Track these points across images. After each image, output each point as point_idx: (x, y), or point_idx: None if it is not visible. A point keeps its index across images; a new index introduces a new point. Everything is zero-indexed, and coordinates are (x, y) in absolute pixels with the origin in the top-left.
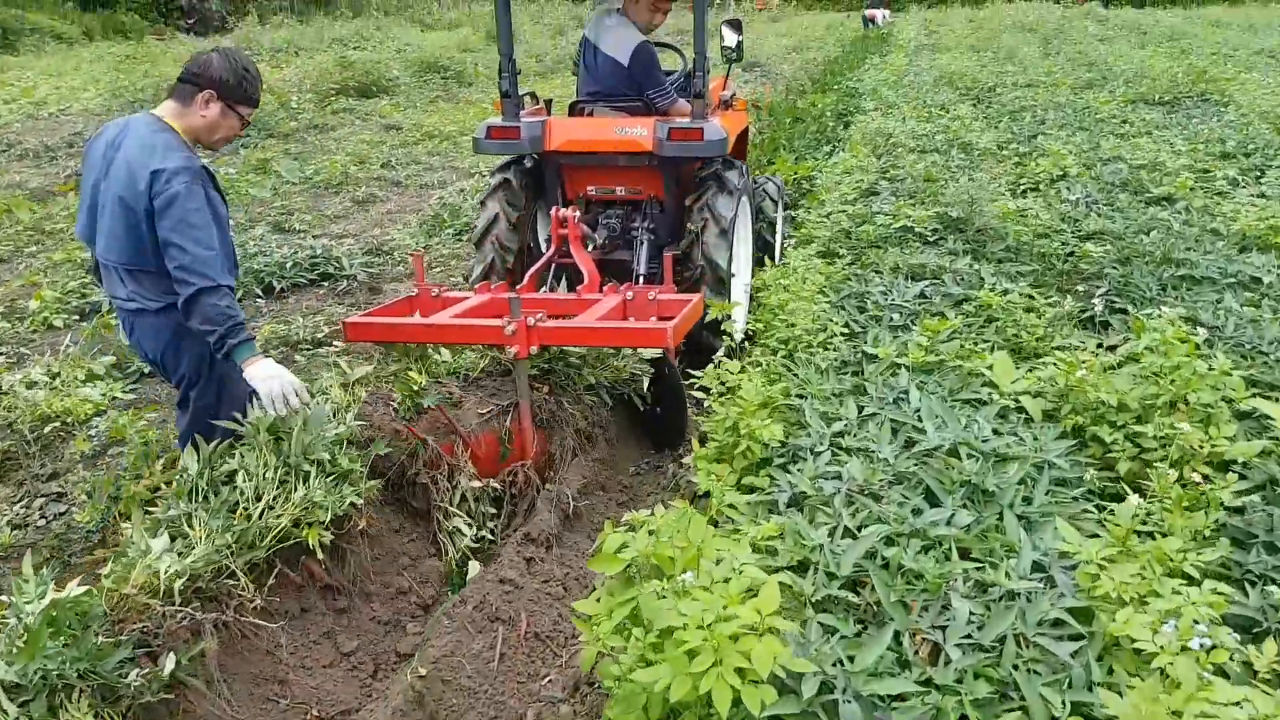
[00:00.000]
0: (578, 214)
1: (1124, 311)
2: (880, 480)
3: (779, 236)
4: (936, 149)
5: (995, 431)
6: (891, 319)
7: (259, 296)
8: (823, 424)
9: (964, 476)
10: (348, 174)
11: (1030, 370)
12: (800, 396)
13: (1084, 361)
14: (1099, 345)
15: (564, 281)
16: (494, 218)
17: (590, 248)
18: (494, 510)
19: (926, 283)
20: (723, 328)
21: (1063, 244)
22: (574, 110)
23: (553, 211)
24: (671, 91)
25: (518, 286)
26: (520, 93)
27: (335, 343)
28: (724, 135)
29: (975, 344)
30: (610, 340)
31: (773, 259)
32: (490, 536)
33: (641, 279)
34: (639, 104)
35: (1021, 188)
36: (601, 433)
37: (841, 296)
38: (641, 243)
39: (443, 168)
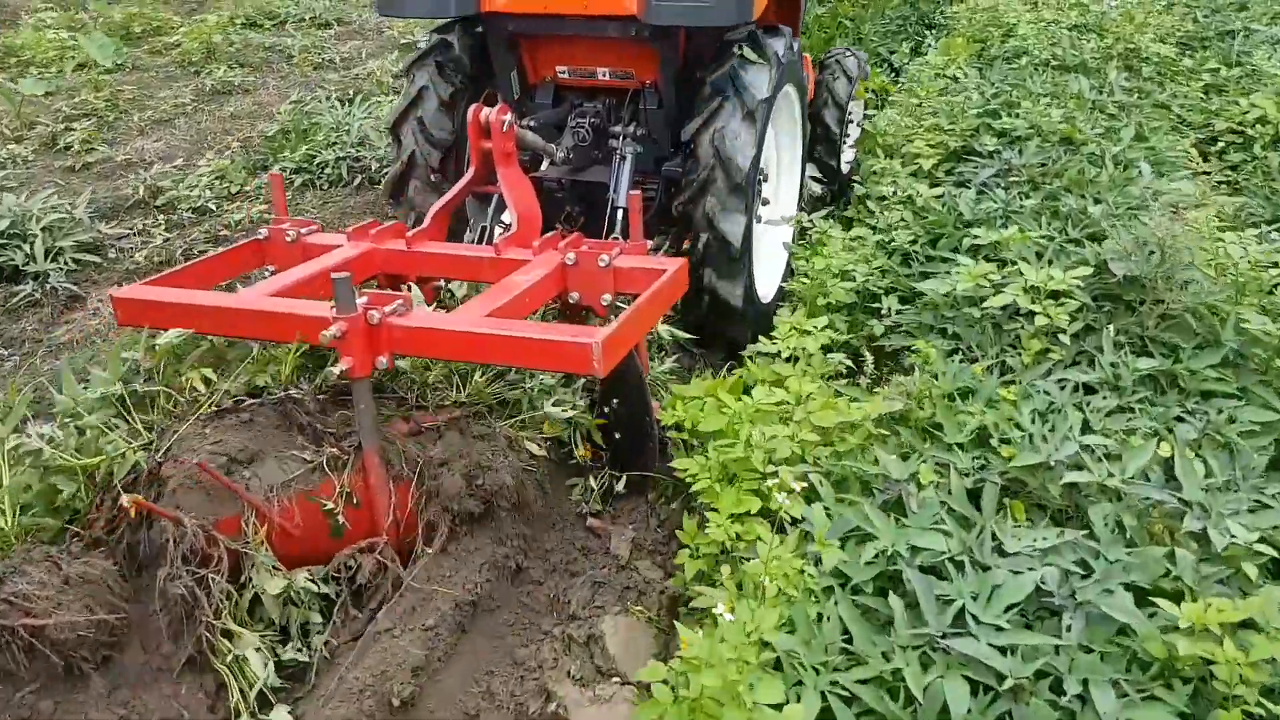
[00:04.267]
0: (508, 115)
1: None
2: None
3: (847, 151)
4: (1083, 64)
5: None
6: None
7: None
8: None
9: None
10: (211, 47)
11: None
12: None
13: None
14: None
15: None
16: (414, 131)
17: (545, 164)
18: (320, 616)
19: (1042, 574)
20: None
21: None
22: None
23: (470, 112)
24: None
25: (411, 232)
26: None
27: None
28: None
29: None
30: (502, 355)
31: (836, 188)
32: (304, 657)
33: (620, 214)
34: None
35: (1216, 142)
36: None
37: (823, 589)
38: (623, 157)
39: (375, 32)
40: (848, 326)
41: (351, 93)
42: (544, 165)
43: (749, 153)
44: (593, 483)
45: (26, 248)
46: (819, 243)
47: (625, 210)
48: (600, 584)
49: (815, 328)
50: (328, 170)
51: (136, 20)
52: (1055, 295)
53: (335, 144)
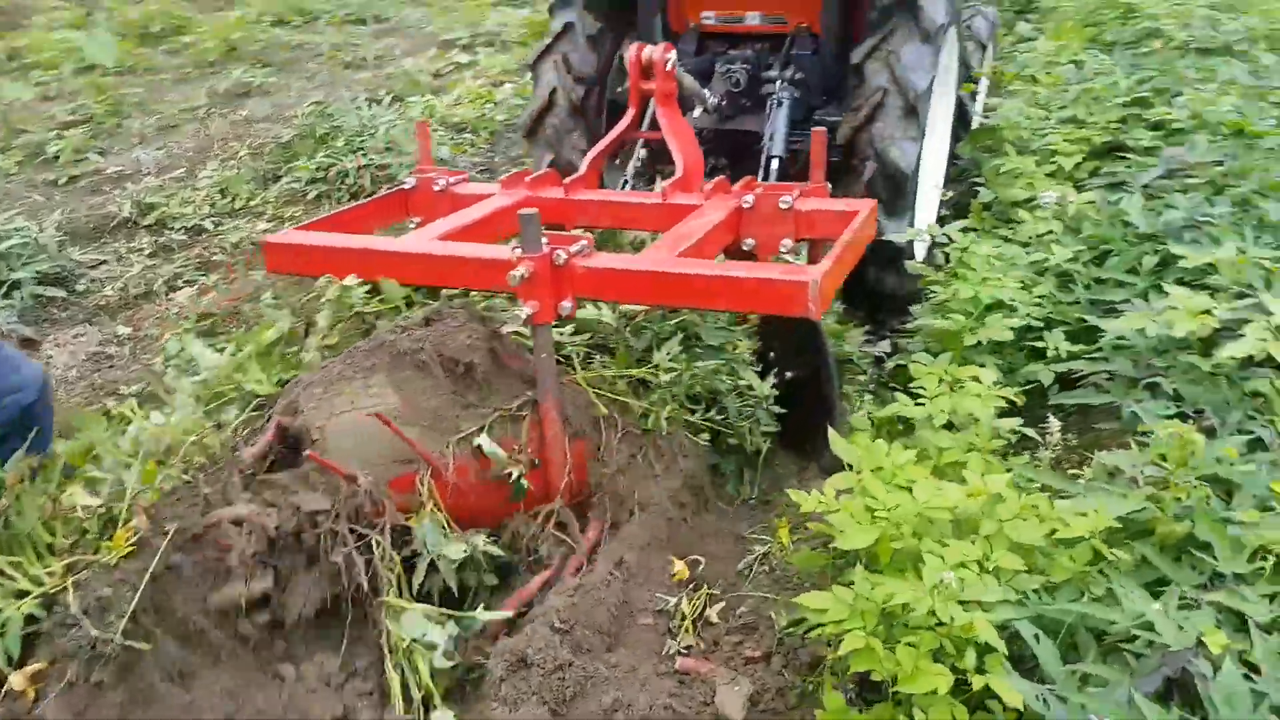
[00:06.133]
0: (672, 54)
1: None
2: None
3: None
4: (1226, 47)
5: None
6: None
7: None
8: None
9: None
10: (232, 45)
11: None
12: None
13: None
14: None
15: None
16: (557, 67)
17: (696, 111)
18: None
19: None
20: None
21: None
22: None
23: (630, 51)
24: None
25: (569, 179)
26: None
27: None
28: None
29: None
30: (703, 298)
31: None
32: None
33: (775, 164)
34: None
35: None
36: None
37: None
38: (779, 103)
39: (415, 29)
40: (1002, 373)
41: (382, 93)
42: (695, 113)
43: (926, 75)
44: (685, 605)
45: None
46: (960, 262)
47: (780, 159)
48: None
49: (984, 386)
50: (348, 180)
51: (156, 19)
52: None
53: (359, 150)
